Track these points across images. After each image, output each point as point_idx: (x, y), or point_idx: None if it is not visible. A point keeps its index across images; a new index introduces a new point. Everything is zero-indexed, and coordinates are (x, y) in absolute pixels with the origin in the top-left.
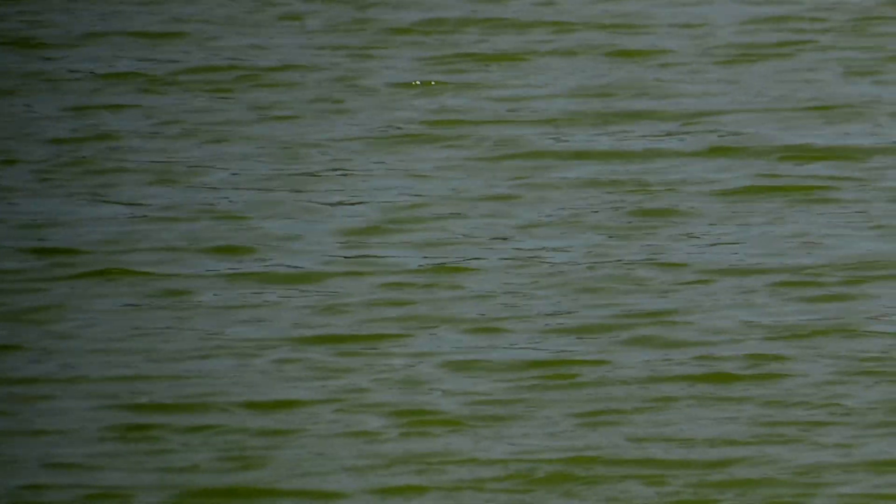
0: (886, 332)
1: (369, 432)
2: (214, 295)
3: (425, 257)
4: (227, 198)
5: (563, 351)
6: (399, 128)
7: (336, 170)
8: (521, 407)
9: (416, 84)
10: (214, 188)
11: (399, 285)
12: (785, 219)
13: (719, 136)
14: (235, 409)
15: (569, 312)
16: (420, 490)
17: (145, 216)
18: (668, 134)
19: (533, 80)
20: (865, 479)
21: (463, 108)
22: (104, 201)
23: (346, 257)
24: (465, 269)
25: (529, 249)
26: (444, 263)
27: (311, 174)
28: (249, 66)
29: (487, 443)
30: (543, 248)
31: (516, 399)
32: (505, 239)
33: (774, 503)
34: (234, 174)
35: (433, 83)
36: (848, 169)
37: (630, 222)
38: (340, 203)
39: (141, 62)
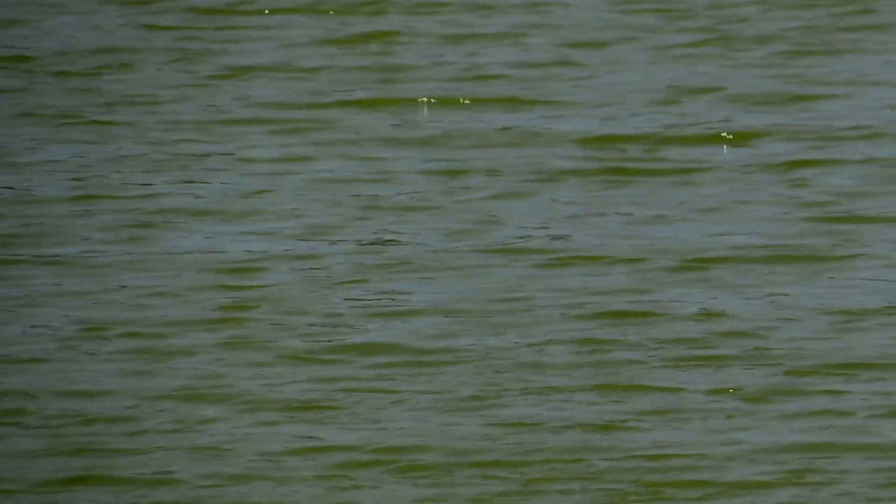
0: (720, 314)
1: (210, 420)
2: (40, 281)
3: (269, 243)
4: (67, 182)
5: (415, 336)
6: (237, 111)
7: (176, 155)
8: (377, 394)
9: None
10: (53, 173)
11: (241, 271)
12: (625, 204)
13: (563, 121)
14: (69, 398)
15: (420, 298)
16: (263, 478)
17: None
18: (515, 119)
19: (382, 63)
20: (723, 465)
21: (308, 92)
22: None
23: (186, 246)
24: (309, 256)
25: (377, 234)
26: (289, 250)
27: (149, 159)
28: (80, 50)
29: (335, 431)
30: (392, 233)
31: (371, 388)
32: (353, 224)
33: (623, 492)
34: (69, 158)
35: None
36: (686, 155)
37: (481, 207)
38: (178, 192)
39: None
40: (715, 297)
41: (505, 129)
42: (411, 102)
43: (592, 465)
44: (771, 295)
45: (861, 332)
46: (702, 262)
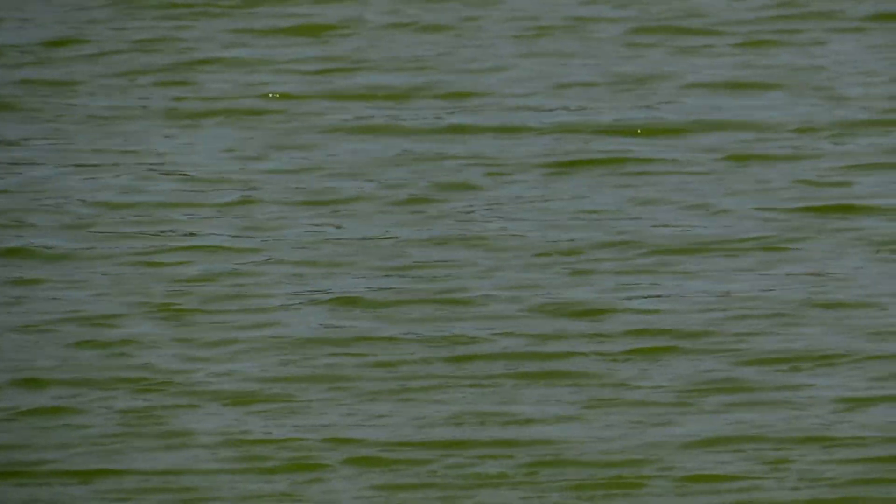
0: (665, 307)
1: (154, 410)
2: None
3: (212, 235)
4: (7, 175)
5: (356, 329)
6: (182, 104)
7: (120, 147)
8: (320, 386)
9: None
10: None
11: (184, 263)
12: (568, 196)
13: (507, 112)
14: (7, 389)
15: (362, 290)
16: (209, 471)
17: None
18: (459, 111)
19: (330, 55)
20: (672, 459)
21: (253, 84)
22: None
23: (128, 237)
24: (253, 249)
25: (320, 227)
26: (231, 242)
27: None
28: (32, 41)
29: (278, 423)
30: (335, 226)
31: (314, 380)
32: (296, 216)
33: (568, 485)
34: (11, 151)
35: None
36: (629, 146)
37: (423, 199)
38: (120, 184)
39: None
40: (659, 289)
41: (448, 120)
42: (356, 94)
43: (538, 458)
44: (715, 287)
45: (807, 325)
46: (646, 254)
